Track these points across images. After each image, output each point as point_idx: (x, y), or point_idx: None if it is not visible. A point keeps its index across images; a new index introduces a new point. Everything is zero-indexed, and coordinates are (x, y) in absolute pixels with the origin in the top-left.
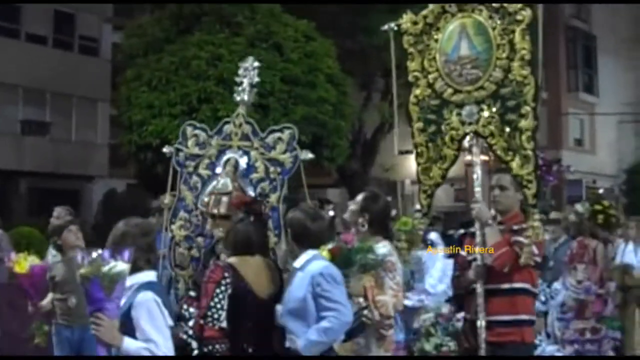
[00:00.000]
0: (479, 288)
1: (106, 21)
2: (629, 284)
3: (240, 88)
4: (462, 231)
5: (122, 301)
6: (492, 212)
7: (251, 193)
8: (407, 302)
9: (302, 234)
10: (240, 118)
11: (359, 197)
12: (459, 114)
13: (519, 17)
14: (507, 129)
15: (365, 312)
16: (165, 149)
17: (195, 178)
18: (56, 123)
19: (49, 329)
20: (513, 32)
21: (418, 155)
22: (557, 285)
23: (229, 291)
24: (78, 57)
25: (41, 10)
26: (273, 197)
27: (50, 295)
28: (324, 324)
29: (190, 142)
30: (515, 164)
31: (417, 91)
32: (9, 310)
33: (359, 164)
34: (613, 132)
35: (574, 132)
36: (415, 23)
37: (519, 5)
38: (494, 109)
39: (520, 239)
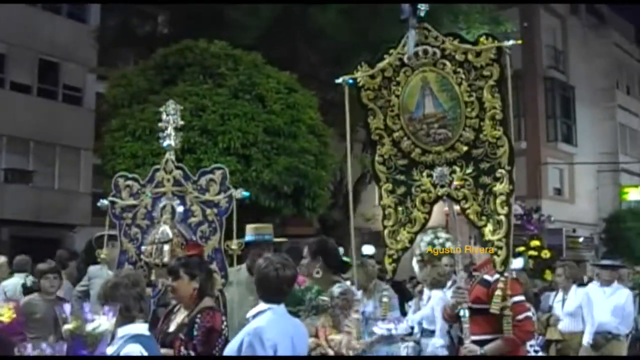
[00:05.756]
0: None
1: (90, 71)
2: (549, 338)
3: (165, 133)
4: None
5: (112, 349)
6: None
7: (193, 237)
8: (377, 330)
9: (262, 284)
10: (170, 164)
11: (307, 248)
12: (429, 176)
13: (486, 73)
14: (481, 193)
15: (317, 350)
16: (100, 203)
17: (134, 229)
18: (39, 171)
19: None
20: (481, 88)
21: (385, 217)
22: None
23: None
24: (62, 106)
25: (26, 60)
26: (214, 239)
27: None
28: None
29: (124, 194)
30: (487, 230)
31: (383, 150)
32: None
33: (341, 214)
34: (592, 181)
35: (553, 182)
36: (372, 77)
37: (486, 60)
38: (467, 171)
39: (521, 317)
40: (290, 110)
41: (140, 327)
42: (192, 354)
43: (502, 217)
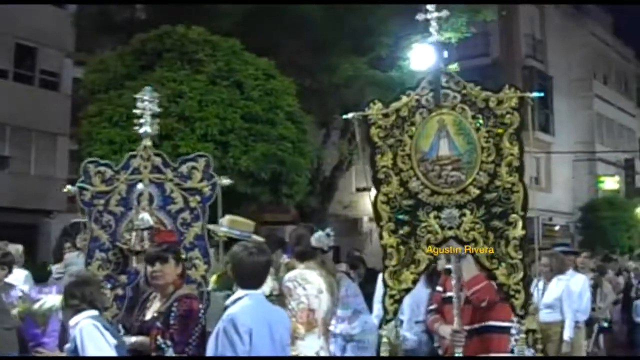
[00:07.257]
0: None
1: (67, 56)
2: (527, 327)
3: (142, 120)
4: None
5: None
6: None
7: (173, 224)
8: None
9: (237, 270)
10: (147, 151)
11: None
12: (437, 217)
13: (506, 121)
14: (492, 236)
15: None
16: (67, 188)
17: (107, 216)
18: (15, 157)
19: None
20: (499, 135)
21: (387, 256)
22: None
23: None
24: (38, 92)
25: (3, 44)
26: (196, 226)
27: None
28: None
29: (95, 180)
30: (500, 273)
31: (387, 188)
32: None
33: (318, 201)
34: (568, 170)
35: (531, 171)
36: (386, 116)
37: (507, 108)
38: (478, 214)
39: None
40: (268, 97)
41: (90, 312)
42: (169, 342)
43: (517, 261)
